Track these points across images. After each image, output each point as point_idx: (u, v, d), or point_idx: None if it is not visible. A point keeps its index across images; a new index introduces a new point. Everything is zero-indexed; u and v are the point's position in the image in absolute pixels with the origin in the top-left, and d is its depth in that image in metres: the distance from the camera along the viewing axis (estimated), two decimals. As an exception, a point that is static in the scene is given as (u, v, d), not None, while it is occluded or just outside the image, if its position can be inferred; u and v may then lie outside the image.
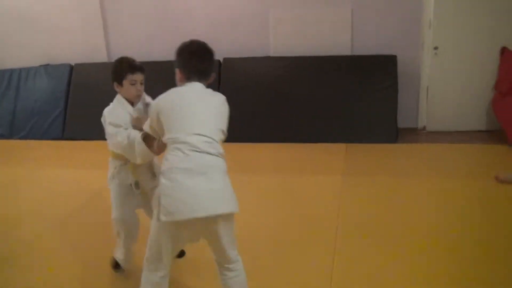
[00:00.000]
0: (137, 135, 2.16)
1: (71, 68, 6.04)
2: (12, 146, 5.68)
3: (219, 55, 5.56)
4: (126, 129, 2.25)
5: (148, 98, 2.50)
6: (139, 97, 2.42)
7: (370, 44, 5.27)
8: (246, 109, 5.33)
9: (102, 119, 2.41)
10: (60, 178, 4.36)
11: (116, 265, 2.56)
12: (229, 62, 5.53)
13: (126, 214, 2.42)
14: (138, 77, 2.38)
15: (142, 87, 2.40)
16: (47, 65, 6.18)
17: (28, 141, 5.78)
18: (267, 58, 5.47)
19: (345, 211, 3.27)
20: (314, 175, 4.04)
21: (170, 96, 1.95)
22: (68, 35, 6.15)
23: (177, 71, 2.04)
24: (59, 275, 2.63)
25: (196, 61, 2.01)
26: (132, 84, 2.35)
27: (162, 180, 1.79)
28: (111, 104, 2.42)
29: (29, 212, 3.56)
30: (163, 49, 5.85)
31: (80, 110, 5.81)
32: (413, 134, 5.23)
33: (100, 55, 6.06)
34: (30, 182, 4.33)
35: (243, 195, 3.62)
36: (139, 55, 5.81)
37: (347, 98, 5.14)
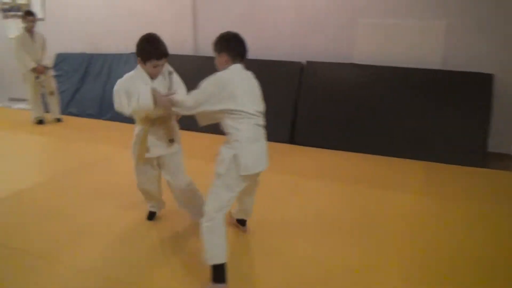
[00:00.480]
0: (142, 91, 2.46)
1: (159, 58, 6.30)
2: (99, 125, 6.06)
3: (302, 58, 5.54)
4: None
5: (170, 67, 2.74)
6: (157, 75, 2.63)
7: (463, 60, 4.94)
8: (323, 114, 5.24)
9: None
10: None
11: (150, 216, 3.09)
12: (312, 65, 5.46)
13: (145, 183, 2.84)
14: (162, 62, 2.57)
15: (162, 67, 2.62)
16: (133, 53, 6.49)
17: (114, 122, 6.13)
18: (351, 65, 5.32)
19: (421, 233, 3.09)
20: (390, 191, 3.86)
21: (232, 74, 2.38)
22: (159, 26, 6.42)
23: (221, 55, 2.45)
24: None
25: (239, 45, 2.47)
26: (155, 67, 2.57)
27: (237, 145, 2.30)
28: (131, 73, 2.62)
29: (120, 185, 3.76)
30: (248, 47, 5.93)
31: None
32: (506, 160, 4.82)
33: (188, 48, 6.26)
34: (116, 159, 4.58)
35: (315, 201, 3.60)
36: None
37: (431, 114, 4.87)
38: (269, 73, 5.60)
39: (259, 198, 3.62)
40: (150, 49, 2.55)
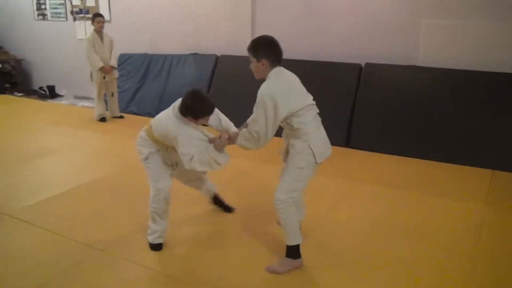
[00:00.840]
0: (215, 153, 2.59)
1: (217, 58, 6.39)
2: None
3: (360, 60, 5.39)
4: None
5: (219, 113, 3.00)
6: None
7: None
8: (381, 118, 5.07)
9: (166, 132, 2.71)
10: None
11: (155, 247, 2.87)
12: (371, 67, 5.30)
13: (168, 185, 2.82)
14: (209, 116, 2.72)
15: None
16: (196, 54, 6.63)
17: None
18: (413, 68, 5.11)
19: (486, 247, 2.89)
20: (450, 199, 3.65)
21: (275, 84, 2.43)
22: (218, 28, 6.51)
23: (261, 61, 2.45)
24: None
25: (277, 49, 2.51)
26: (205, 121, 2.73)
27: (309, 137, 2.48)
28: (175, 123, 2.65)
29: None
30: (304, 48, 5.86)
31: (220, 98, 6.11)
32: None
33: (244, 49, 6.28)
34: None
35: (370, 206, 3.47)
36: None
37: (499, 119, 4.56)
38: (326, 75, 5.50)
39: (312, 201, 3.55)
40: (203, 109, 2.64)
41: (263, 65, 2.45)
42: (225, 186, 3.71)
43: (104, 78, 6.18)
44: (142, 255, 2.77)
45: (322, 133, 2.63)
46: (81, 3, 7.84)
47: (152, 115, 6.57)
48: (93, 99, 6.52)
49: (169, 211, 2.90)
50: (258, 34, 6.20)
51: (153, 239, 2.85)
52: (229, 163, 2.67)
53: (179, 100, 2.70)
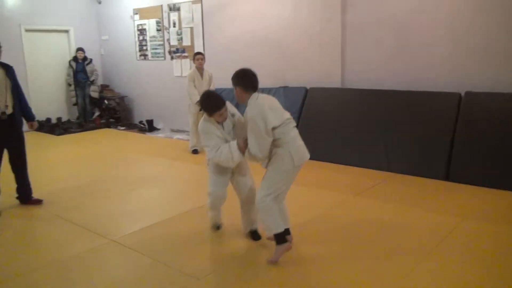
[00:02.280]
0: (234, 148, 3.04)
1: (306, 91, 6.43)
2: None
3: (460, 89, 5.10)
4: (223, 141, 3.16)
5: (232, 109, 3.32)
6: (225, 119, 3.20)
7: None
8: (483, 149, 4.70)
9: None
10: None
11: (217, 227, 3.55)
12: (472, 96, 4.98)
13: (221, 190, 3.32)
14: (223, 111, 3.11)
15: (226, 112, 3.16)
16: (286, 87, 6.73)
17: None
18: (521, 95, 4.71)
19: None
20: None
21: (258, 102, 2.96)
22: (307, 61, 6.58)
23: (237, 88, 3.06)
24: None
25: (248, 78, 3.08)
26: (220, 115, 3.13)
27: (288, 145, 2.96)
28: (202, 124, 3.22)
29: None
30: (397, 79, 5.69)
31: (309, 131, 6.12)
32: None
33: (334, 81, 6.27)
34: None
35: (478, 245, 3.17)
36: (372, 83, 5.89)
37: None
38: (424, 105, 5.27)
39: (412, 239, 3.35)
40: (211, 105, 3.11)
41: (237, 91, 3.05)
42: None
43: (200, 110, 6.47)
44: (238, 284, 2.78)
45: (299, 142, 3.06)
46: (178, 43, 8.41)
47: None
48: (187, 131, 6.85)
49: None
50: (348, 66, 6.22)
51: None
52: (241, 160, 3.10)
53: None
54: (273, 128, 2.91)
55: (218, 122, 3.18)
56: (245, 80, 3.06)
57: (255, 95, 3.01)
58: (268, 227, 3.07)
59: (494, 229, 3.51)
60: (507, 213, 3.88)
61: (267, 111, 2.90)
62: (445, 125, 5.04)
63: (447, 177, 4.86)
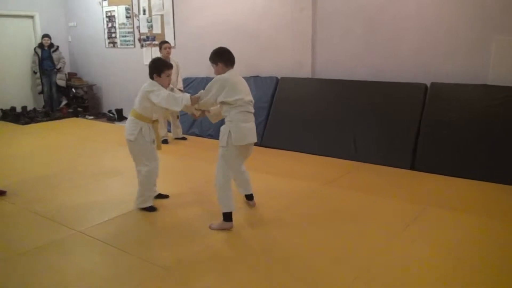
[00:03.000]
0: (185, 95, 3.44)
1: (277, 80, 6.45)
2: (217, 145, 6.33)
3: (426, 80, 5.22)
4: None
5: (173, 86, 3.98)
6: (169, 85, 3.69)
7: None
8: (450, 139, 4.85)
9: (142, 93, 3.57)
10: (253, 182, 4.65)
11: (150, 209, 3.85)
12: (437, 87, 5.11)
13: (155, 166, 3.80)
14: (170, 72, 3.62)
15: (170, 79, 3.68)
16: (257, 76, 6.73)
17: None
18: (483, 86, 4.86)
19: None
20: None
21: (230, 76, 3.37)
22: (278, 50, 6.59)
23: (218, 64, 3.45)
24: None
25: (231, 55, 3.50)
26: (167, 76, 3.61)
27: (231, 124, 3.32)
28: (149, 83, 3.57)
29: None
30: (366, 69, 5.78)
31: (280, 121, 6.16)
32: None
33: (305, 71, 6.31)
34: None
35: (440, 233, 3.29)
36: (341, 73, 5.96)
37: None
38: (391, 96, 5.38)
39: (378, 226, 3.44)
40: (161, 63, 3.62)
41: (219, 67, 3.45)
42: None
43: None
44: (203, 277, 2.79)
45: (246, 125, 3.35)
46: (148, 31, 8.26)
47: (213, 136, 6.73)
48: (157, 121, 6.77)
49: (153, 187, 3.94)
50: (319, 55, 6.27)
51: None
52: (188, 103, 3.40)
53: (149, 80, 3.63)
54: (225, 102, 3.32)
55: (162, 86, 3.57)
56: (225, 56, 3.46)
57: (231, 71, 3.43)
58: (221, 205, 3.45)
59: (458, 216, 3.64)
60: (471, 201, 4.02)
61: (227, 86, 3.31)
62: (411, 115, 5.16)
63: (412, 167, 4.99)
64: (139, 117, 3.66)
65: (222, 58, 3.45)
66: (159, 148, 3.87)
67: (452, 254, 3.01)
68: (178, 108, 3.44)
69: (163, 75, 3.57)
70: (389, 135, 5.22)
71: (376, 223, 3.53)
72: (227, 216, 3.44)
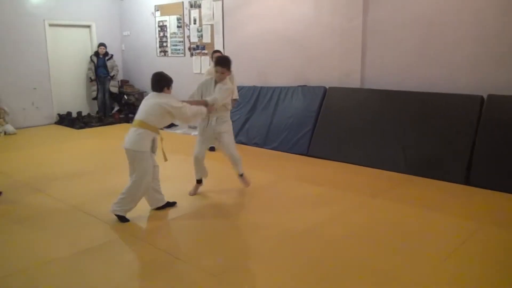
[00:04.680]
0: (202, 108, 4.02)
1: (325, 90, 6.39)
2: (263, 153, 6.35)
3: (483, 91, 5.00)
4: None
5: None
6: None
7: None
8: (506, 154, 4.60)
9: (161, 108, 3.73)
10: (299, 191, 4.61)
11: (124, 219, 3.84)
12: (494, 99, 4.88)
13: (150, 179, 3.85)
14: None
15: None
16: (305, 86, 6.70)
17: (276, 152, 6.38)
18: (546, 99, 4.60)
19: None
20: None
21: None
22: (327, 60, 6.53)
23: (227, 72, 4.29)
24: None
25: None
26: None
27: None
28: (166, 97, 3.84)
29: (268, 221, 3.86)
30: (418, 80, 5.61)
31: (327, 131, 6.09)
32: None
33: (354, 81, 6.22)
34: (277, 187, 4.72)
35: (495, 253, 3.11)
36: (392, 84, 5.83)
37: None
38: (445, 107, 5.19)
39: (430, 243, 3.30)
40: (169, 78, 3.93)
41: (227, 74, 4.25)
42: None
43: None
44: (250, 280, 2.77)
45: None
46: (198, 40, 8.45)
47: (258, 145, 6.75)
48: (205, 128, 6.86)
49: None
50: (369, 65, 6.16)
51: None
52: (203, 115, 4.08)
53: (151, 93, 3.88)
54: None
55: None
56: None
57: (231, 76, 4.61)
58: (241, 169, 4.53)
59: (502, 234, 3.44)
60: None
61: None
62: (466, 128, 4.95)
63: (467, 181, 4.78)
64: (152, 128, 3.75)
65: (230, 66, 4.34)
66: (165, 159, 4.00)
67: (505, 275, 2.84)
68: (199, 120, 4.27)
69: (171, 88, 3.88)
70: (442, 148, 5.03)
71: (428, 240, 3.40)
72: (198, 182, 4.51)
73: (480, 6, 5.05)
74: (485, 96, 4.98)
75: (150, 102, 3.77)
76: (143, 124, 3.71)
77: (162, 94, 3.80)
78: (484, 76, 5.11)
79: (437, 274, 2.86)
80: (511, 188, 4.46)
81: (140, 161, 3.70)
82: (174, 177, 5.13)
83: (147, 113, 3.73)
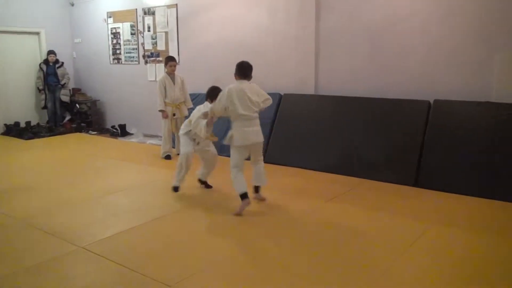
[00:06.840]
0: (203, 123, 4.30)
1: (280, 97, 6.47)
2: (219, 161, 6.33)
3: (429, 97, 5.23)
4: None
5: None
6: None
7: None
8: (452, 156, 4.83)
9: (197, 115, 4.46)
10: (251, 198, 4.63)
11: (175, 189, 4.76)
12: (440, 104, 5.12)
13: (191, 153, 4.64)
14: None
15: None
16: (260, 93, 6.74)
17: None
18: (487, 104, 4.86)
19: None
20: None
21: (232, 90, 4.09)
22: (282, 67, 6.63)
23: (236, 75, 4.27)
24: None
25: (242, 68, 4.28)
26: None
27: (236, 128, 4.11)
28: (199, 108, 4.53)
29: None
30: (369, 86, 5.80)
31: (283, 137, 6.16)
32: None
33: (308, 88, 6.34)
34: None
35: (444, 251, 3.25)
36: (345, 90, 5.98)
37: None
38: (394, 112, 5.39)
39: (382, 244, 3.40)
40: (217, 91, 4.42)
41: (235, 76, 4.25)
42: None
43: (174, 115, 6.46)
44: (208, 293, 2.76)
45: (246, 129, 4.06)
46: (153, 47, 8.34)
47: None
48: (160, 137, 6.78)
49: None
50: (322, 72, 6.30)
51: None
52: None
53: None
54: (228, 110, 4.07)
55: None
56: (236, 68, 4.28)
57: (240, 80, 4.19)
58: (235, 188, 4.12)
59: (463, 235, 3.60)
60: (475, 218, 3.99)
61: (232, 96, 4.02)
62: (414, 132, 5.16)
63: (416, 183, 4.97)
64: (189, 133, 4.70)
65: (236, 69, 4.26)
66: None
67: (457, 273, 2.97)
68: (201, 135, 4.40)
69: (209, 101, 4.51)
70: (392, 152, 5.21)
71: (379, 241, 3.50)
72: (243, 196, 4.04)
73: (426, 14, 5.30)
74: (431, 101, 5.21)
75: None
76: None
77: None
78: (430, 82, 5.35)
79: (388, 274, 2.94)
80: (458, 189, 4.68)
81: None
82: (131, 187, 5.01)
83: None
